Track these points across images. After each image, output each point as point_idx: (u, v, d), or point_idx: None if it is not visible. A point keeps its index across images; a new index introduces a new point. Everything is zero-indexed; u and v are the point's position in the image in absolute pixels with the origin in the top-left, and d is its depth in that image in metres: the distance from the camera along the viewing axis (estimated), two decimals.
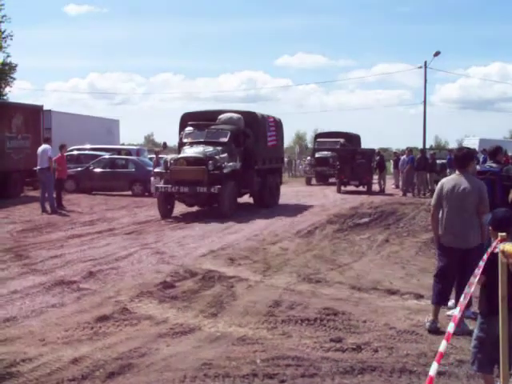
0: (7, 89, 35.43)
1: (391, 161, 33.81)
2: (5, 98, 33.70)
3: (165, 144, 25.43)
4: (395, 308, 7.83)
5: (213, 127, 19.13)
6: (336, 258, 11.37)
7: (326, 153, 34.62)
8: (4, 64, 33.45)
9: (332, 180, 33.14)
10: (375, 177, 29.71)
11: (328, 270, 10.28)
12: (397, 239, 13.83)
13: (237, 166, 18.28)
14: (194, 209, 18.94)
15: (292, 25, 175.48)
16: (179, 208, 18.55)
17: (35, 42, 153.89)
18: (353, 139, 38.40)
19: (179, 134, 20.25)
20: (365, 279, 9.59)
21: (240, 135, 19.22)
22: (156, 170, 19.79)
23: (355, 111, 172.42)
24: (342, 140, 36.08)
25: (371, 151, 30.24)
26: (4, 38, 30.54)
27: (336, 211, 19.10)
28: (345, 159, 28.31)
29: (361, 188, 28.34)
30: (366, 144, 41.80)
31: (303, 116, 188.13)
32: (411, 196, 25.75)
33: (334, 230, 15.14)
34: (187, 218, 17.19)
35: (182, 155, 17.84)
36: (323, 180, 35.12)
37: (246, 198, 20.87)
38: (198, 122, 19.55)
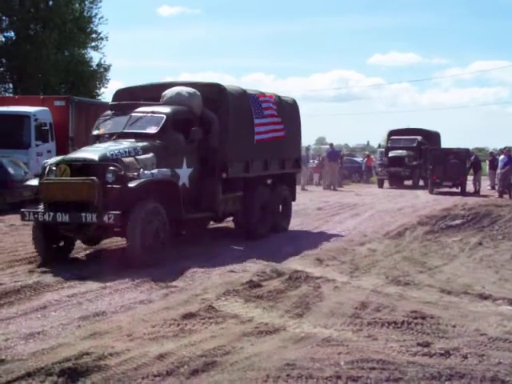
0: (102, 89, 36.67)
1: (487, 161, 32.56)
2: (100, 98, 34.85)
3: None
4: (487, 313, 7.54)
5: (140, 110, 11.62)
6: (426, 261, 11.10)
7: (400, 151, 31.70)
8: (99, 65, 34.64)
9: (408, 183, 31.55)
10: (470, 177, 28.82)
11: (417, 272, 10.04)
12: (491, 242, 13.36)
13: (169, 174, 10.78)
14: None
15: (384, 23, 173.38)
16: None
17: (128, 42, 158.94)
18: (431, 137, 34.60)
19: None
20: (455, 283, 9.30)
21: (191, 122, 11.71)
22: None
23: (449, 110, 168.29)
24: (419, 138, 32.83)
25: (465, 151, 29.16)
26: (101, 39, 31.62)
27: (427, 212, 18.64)
28: (437, 159, 27.54)
29: (454, 189, 27.57)
30: (458, 144, 40.12)
31: (396, 115, 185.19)
32: (508, 198, 24.82)
33: (425, 231, 14.78)
34: None
35: (64, 157, 10.82)
36: (397, 183, 31.85)
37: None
38: (129, 101, 12.30)
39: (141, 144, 10.84)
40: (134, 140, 11.02)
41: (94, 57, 34.39)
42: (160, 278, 9.06)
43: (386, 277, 9.53)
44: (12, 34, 28.64)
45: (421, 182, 31.69)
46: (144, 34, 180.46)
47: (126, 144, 10.82)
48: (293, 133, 15.07)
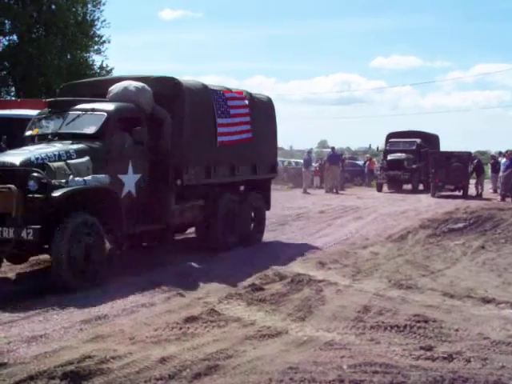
0: None
1: (489, 164, 32.46)
2: None
3: None
4: (490, 317, 7.53)
5: (79, 107, 10.13)
6: (428, 264, 11.08)
7: (399, 154, 30.88)
8: (101, 68, 34.71)
9: (407, 187, 31.06)
10: (472, 181, 28.77)
11: (420, 275, 10.03)
12: (493, 246, 13.33)
13: (108, 181, 9.18)
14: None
15: (386, 26, 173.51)
16: None
17: (131, 45, 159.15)
18: (430, 140, 33.90)
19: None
20: (458, 286, 9.28)
21: (139, 121, 10.25)
22: None
23: (451, 113, 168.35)
24: (418, 140, 32.05)
25: (468, 154, 29.03)
26: (103, 42, 31.66)
27: (430, 216, 18.61)
28: (440, 162, 27.48)
29: (456, 193, 27.54)
30: (460, 147, 39.82)
31: (398, 118, 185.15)
32: (510, 201, 24.77)
33: (427, 234, 14.76)
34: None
35: None
36: (396, 187, 31.12)
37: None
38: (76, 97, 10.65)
39: (75, 146, 9.32)
40: (70, 142, 9.51)
41: (97, 60, 34.39)
42: (162, 281, 9.06)
43: (389, 280, 9.51)
44: (15, 37, 28.71)
45: (420, 186, 31.38)
46: (146, 37, 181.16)
47: (57, 146, 9.34)
48: (267, 134, 13.60)
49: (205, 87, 11.56)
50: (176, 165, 10.65)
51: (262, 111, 13.32)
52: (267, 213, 14.00)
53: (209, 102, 11.52)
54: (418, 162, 30.75)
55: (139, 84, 10.62)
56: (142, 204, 10.27)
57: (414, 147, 31.38)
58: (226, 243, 11.96)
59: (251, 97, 12.97)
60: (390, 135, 33.98)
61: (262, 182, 13.76)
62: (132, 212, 9.88)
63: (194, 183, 11.06)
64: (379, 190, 30.86)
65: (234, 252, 11.84)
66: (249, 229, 13.04)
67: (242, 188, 12.93)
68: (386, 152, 32.45)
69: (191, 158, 10.97)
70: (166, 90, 10.89)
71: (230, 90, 12.34)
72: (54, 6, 28.40)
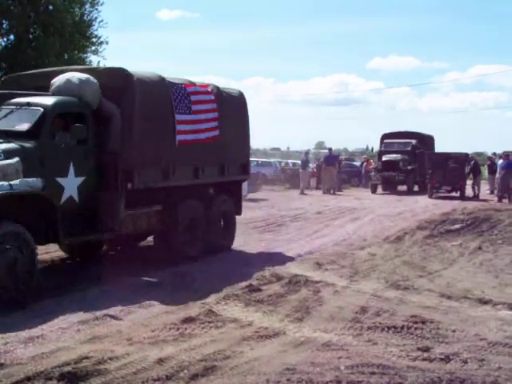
0: None
1: (486, 165, 32.48)
2: None
3: None
4: (487, 318, 7.54)
5: (13, 101, 9.13)
6: (425, 265, 11.09)
7: (395, 155, 30.26)
8: None
9: (402, 188, 30.74)
10: (469, 182, 28.81)
11: (417, 276, 10.04)
12: (490, 247, 13.35)
13: (40, 185, 8.09)
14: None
15: (383, 27, 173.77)
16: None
17: (128, 46, 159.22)
18: (426, 140, 33.34)
19: None
20: (455, 287, 9.30)
21: (83, 117, 9.21)
22: None
23: (448, 114, 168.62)
24: (413, 141, 31.49)
25: (465, 155, 29.02)
26: (100, 42, 31.61)
27: (427, 217, 18.62)
28: (437, 163, 27.49)
29: (453, 194, 27.57)
30: (457, 148, 39.64)
31: (395, 119, 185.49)
32: (507, 202, 24.80)
33: (425, 236, 14.76)
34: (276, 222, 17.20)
35: None
36: (390, 188, 30.56)
37: None
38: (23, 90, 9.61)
39: (3, 146, 8.26)
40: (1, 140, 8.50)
41: (94, 60, 34.32)
42: (160, 282, 9.06)
43: (386, 281, 9.52)
44: (12, 38, 28.66)
45: (415, 188, 30.99)
46: (144, 37, 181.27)
47: None
48: (238, 132, 12.33)
49: (162, 80, 10.36)
50: (126, 166, 9.45)
51: (231, 107, 12.06)
52: (267, 213, 13.96)
53: (166, 97, 10.31)
54: (413, 163, 30.34)
55: (83, 75, 9.51)
56: (86, 210, 9.21)
57: (409, 148, 30.95)
58: (187, 254, 10.79)
59: (219, 91, 11.74)
60: (385, 136, 33.37)
61: (231, 184, 12.55)
62: (74, 220, 8.90)
63: (148, 186, 9.92)
64: (373, 191, 30.27)
65: (232, 253, 11.83)
66: (216, 236, 11.74)
67: (211, 191, 11.74)
68: (381, 153, 31.93)
69: (144, 159, 9.80)
70: (115, 82, 9.77)
71: (193, 84, 11.15)
72: (51, 7, 28.35)
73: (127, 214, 9.60)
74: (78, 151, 9.09)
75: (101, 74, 9.90)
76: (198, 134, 10.95)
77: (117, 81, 9.77)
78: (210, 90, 11.44)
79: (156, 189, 10.21)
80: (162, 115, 10.22)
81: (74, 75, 9.50)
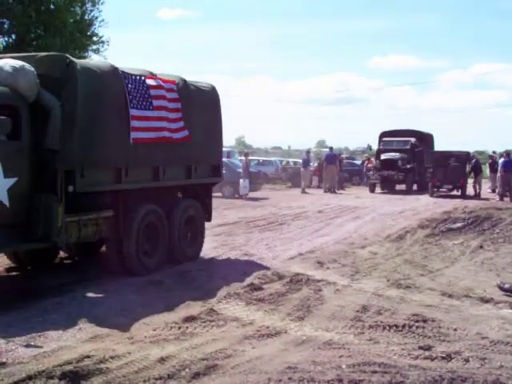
0: None
1: (487, 164, 32.43)
2: None
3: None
4: (488, 317, 7.55)
5: None
6: (427, 264, 11.10)
7: (393, 154, 29.71)
8: None
9: (400, 187, 30.19)
10: (470, 180, 28.78)
11: (418, 275, 10.04)
12: (492, 245, 13.35)
13: None
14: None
15: (383, 26, 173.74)
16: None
17: (129, 45, 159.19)
18: (425, 139, 32.90)
19: None
20: (457, 286, 9.31)
21: (16, 110, 8.18)
22: None
23: (449, 113, 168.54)
24: (412, 139, 30.90)
25: (466, 154, 28.95)
26: (102, 42, 31.60)
27: (428, 215, 18.61)
28: (438, 162, 27.47)
29: (454, 192, 27.56)
30: (458, 147, 39.42)
31: (396, 118, 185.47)
32: (508, 201, 24.78)
33: (426, 234, 14.77)
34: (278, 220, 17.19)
35: None
36: (389, 187, 30.08)
37: None
38: None
39: None
40: None
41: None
42: (161, 281, 9.06)
43: (387, 280, 9.52)
44: (13, 37, 28.68)
45: (414, 187, 30.63)
46: (144, 36, 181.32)
47: None
48: (208, 130, 11.07)
49: (114, 70, 9.11)
50: (66, 166, 8.30)
51: (201, 102, 10.88)
52: (268, 212, 13.88)
53: (119, 89, 9.09)
54: (412, 162, 29.94)
55: (18, 63, 8.32)
56: (19, 217, 8.12)
57: (408, 146, 30.39)
58: (143, 265, 9.56)
59: (186, 85, 10.55)
60: (384, 134, 32.69)
61: (200, 187, 11.38)
62: (4, 227, 7.90)
63: (94, 190, 8.80)
64: (372, 190, 29.71)
65: (234, 252, 11.83)
66: (180, 246, 10.51)
67: (175, 195, 10.88)
68: (379, 151, 31.21)
69: (88, 158, 8.57)
70: (55, 71, 8.55)
71: (154, 76, 9.93)
72: (52, 6, 28.36)
73: (69, 221, 8.37)
74: (8, 148, 7.97)
75: (40, 62, 8.66)
76: (160, 131, 9.78)
77: (57, 70, 8.55)
78: (174, 83, 10.26)
79: (107, 192, 9.10)
80: (112, 109, 8.99)
81: (7, 63, 8.33)
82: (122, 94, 9.11)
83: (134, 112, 9.24)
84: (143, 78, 9.60)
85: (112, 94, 9.00)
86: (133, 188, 9.48)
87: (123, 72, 9.26)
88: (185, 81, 10.61)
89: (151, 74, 9.93)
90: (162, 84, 9.93)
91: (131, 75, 9.38)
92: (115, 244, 9.36)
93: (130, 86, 9.24)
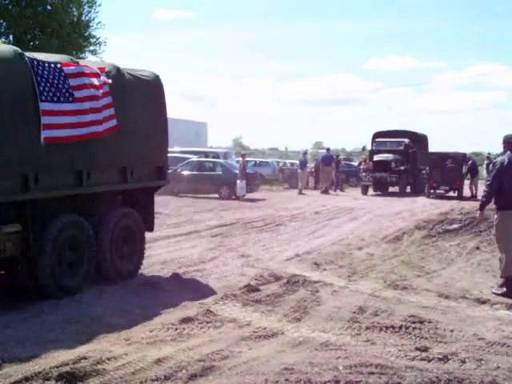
0: None
1: (484, 165, 32.43)
2: None
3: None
4: (485, 318, 7.55)
5: None
6: (424, 265, 11.11)
7: (386, 155, 29.14)
8: None
9: (393, 189, 29.74)
10: (466, 182, 28.82)
11: (415, 276, 10.05)
12: (488, 247, 13.35)
13: None
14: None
15: (381, 27, 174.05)
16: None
17: (126, 46, 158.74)
18: (419, 139, 32.31)
19: None
20: (453, 287, 9.31)
21: None
22: None
23: (447, 114, 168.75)
24: (406, 140, 30.17)
25: (462, 155, 28.93)
26: (99, 43, 31.60)
27: (425, 216, 18.63)
28: (434, 163, 27.49)
29: (451, 193, 27.59)
30: (455, 148, 39.36)
31: (393, 119, 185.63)
32: None
33: (423, 235, 14.79)
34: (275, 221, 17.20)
35: None
36: (382, 189, 29.74)
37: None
38: None
39: None
40: None
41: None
42: (158, 282, 9.05)
43: (384, 281, 9.53)
44: (10, 38, 28.65)
45: (407, 189, 30.24)
46: (141, 38, 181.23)
47: None
48: (149, 126, 9.59)
49: (19, 56, 7.53)
50: None
51: (140, 94, 9.37)
52: (265, 213, 13.86)
53: (25, 79, 7.53)
54: (405, 164, 29.33)
55: None
56: None
57: (402, 147, 29.73)
58: (60, 287, 8.08)
59: (119, 73, 9.01)
60: (377, 134, 31.84)
61: (139, 192, 9.89)
62: None
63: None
64: (364, 192, 29.19)
65: (230, 253, 11.83)
66: (112, 261, 9.06)
67: (113, 202, 9.50)
68: (372, 152, 30.43)
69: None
70: None
71: (75, 63, 8.34)
72: (49, 8, 28.36)
73: None
74: None
75: None
76: (83, 128, 8.17)
77: None
78: (104, 71, 8.68)
79: (10, 203, 7.54)
80: (15, 104, 7.36)
81: None
82: (28, 84, 7.54)
83: (45, 106, 7.65)
84: (59, 65, 7.98)
85: (14, 86, 7.40)
86: (45, 197, 7.91)
87: (31, 59, 7.68)
88: (118, 68, 9.06)
89: (72, 60, 8.42)
90: (85, 71, 8.30)
91: (43, 62, 7.79)
92: (26, 263, 7.84)
93: (40, 74, 7.65)
